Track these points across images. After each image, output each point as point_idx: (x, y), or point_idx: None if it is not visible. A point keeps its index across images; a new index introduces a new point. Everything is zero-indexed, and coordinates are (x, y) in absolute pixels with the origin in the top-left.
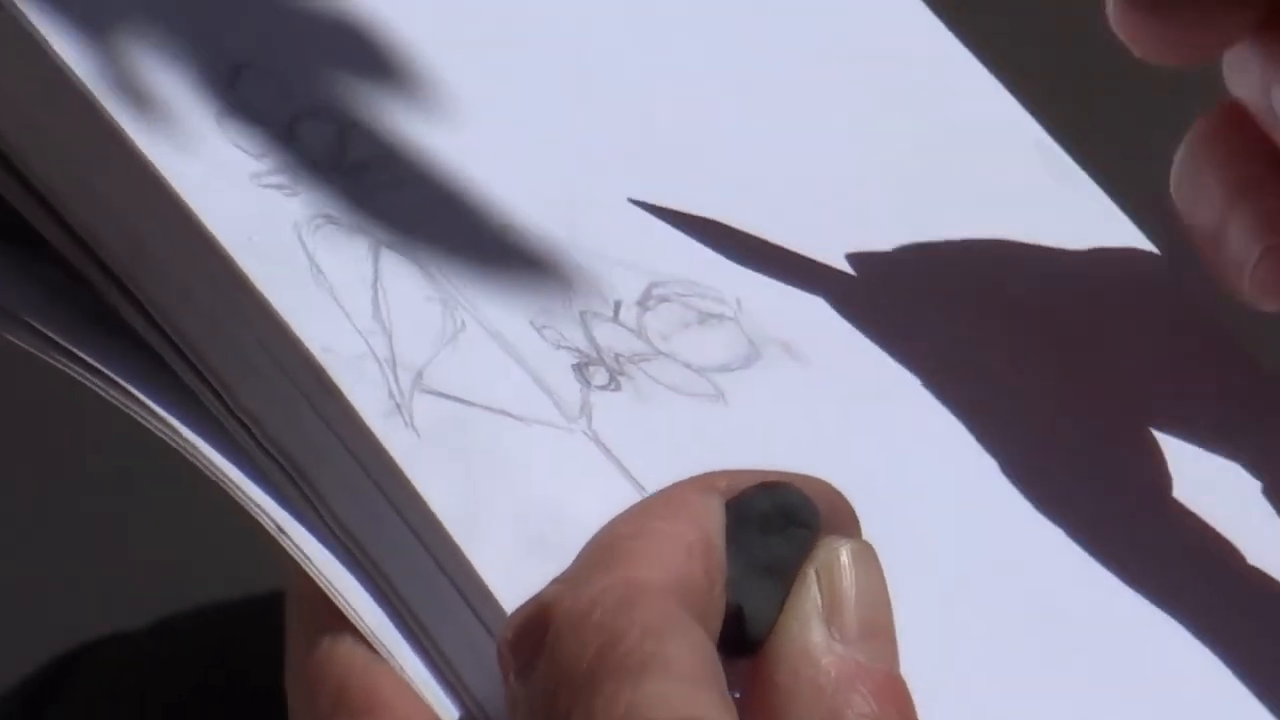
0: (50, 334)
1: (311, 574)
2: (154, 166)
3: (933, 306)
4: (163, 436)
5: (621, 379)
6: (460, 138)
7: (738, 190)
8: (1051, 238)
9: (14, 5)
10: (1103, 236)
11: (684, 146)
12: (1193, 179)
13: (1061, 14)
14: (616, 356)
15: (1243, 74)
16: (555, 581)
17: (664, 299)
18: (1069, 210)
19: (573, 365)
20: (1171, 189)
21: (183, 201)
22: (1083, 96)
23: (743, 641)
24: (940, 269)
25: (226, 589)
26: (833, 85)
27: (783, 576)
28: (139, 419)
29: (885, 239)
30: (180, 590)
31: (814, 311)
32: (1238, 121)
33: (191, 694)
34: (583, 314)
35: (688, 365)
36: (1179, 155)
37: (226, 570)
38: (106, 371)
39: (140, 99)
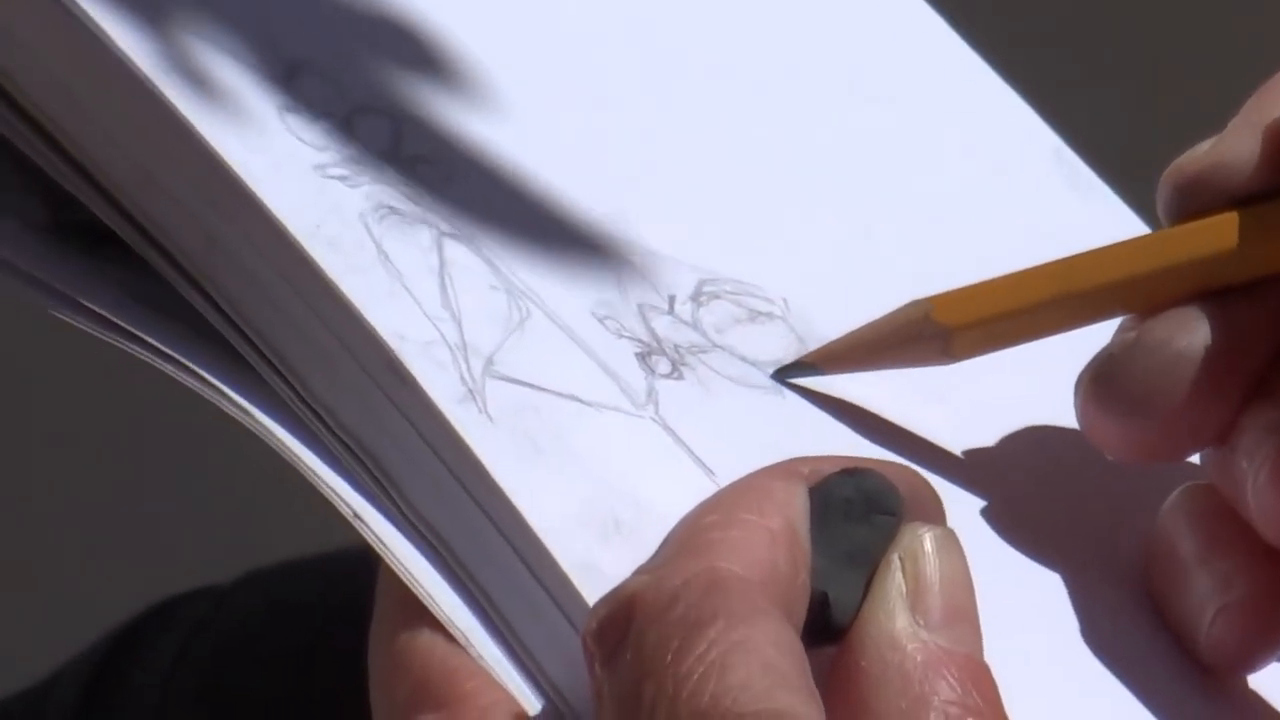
0: (127, 326)
1: (389, 561)
2: (221, 158)
3: None
4: (240, 420)
5: (683, 369)
6: (511, 131)
7: (772, 191)
8: (1068, 248)
9: (76, 3)
10: None
11: (721, 143)
12: (1163, 541)
13: (1083, 23)
14: (676, 347)
15: (1215, 465)
16: (639, 571)
17: (715, 295)
18: (1087, 220)
19: (635, 354)
20: (1145, 552)
21: (251, 192)
22: (1102, 105)
23: (828, 629)
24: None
25: (316, 543)
26: (854, 89)
27: (867, 563)
28: (215, 403)
29: (903, 249)
30: (268, 545)
31: (860, 314)
32: (1210, 490)
33: (275, 653)
34: (640, 306)
35: (744, 359)
36: (1160, 514)
37: (317, 525)
38: (180, 359)
39: (205, 94)
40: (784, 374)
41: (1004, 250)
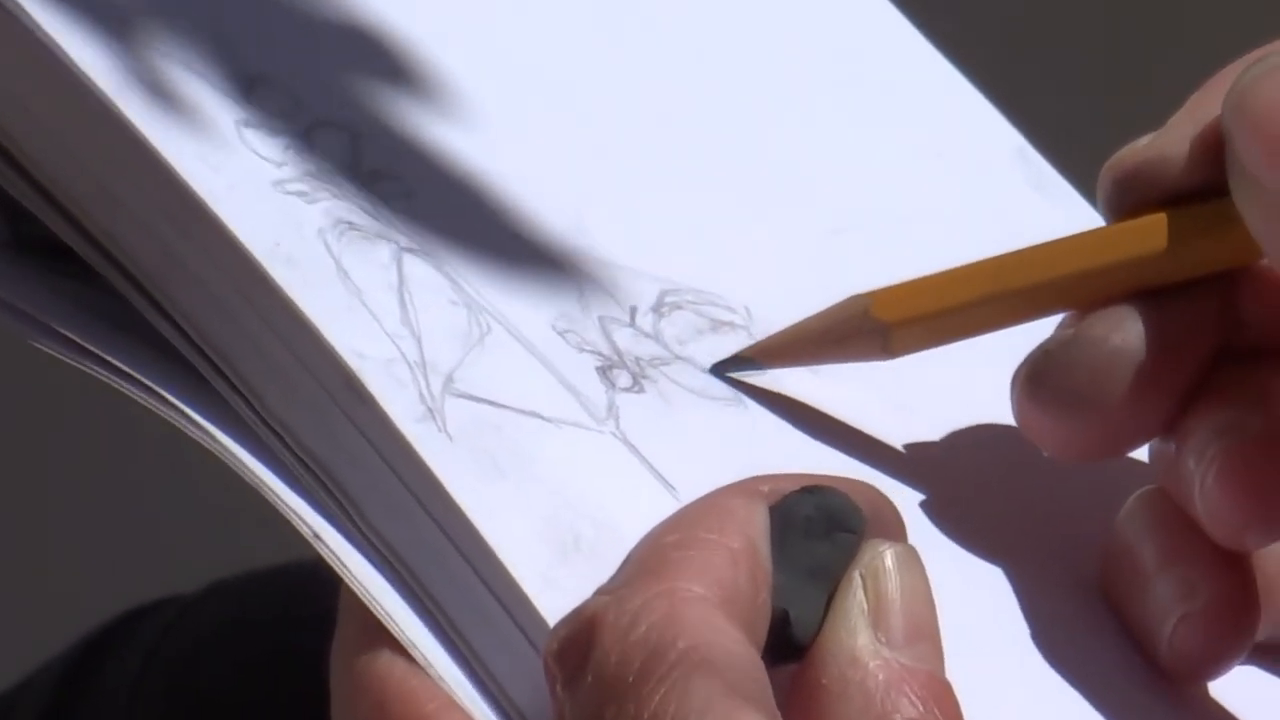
0: (82, 342)
1: (349, 582)
2: (179, 175)
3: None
4: (199, 441)
5: (645, 382)
6: (471, 143)
7: (734, 198)
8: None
9: (33, 19)
10: None
11: (681, 152)
12: (1121, 547)
13: (1046, 21)
14: (637, 360)
15: (1163, 466)
16: (600, 592)
17: (677, 306)
18: (1051, 220)
19: (596, 368)
20: (1101, 559)
21: (209, 209)
22: (1065, 104)
23: (789, 647)
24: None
25: (282, 553)
26: (816, 93)
27: (827, 581)
28: (175, 423)
29: (868, 251)
30: (235, 555)
31: None
32: (1166, 495)
33: (242, 659)
34: (601, 319)
35: (705, 370)
36: (1116, 521)
37: (282, 535)
38: (139, 377)
39: (162, 109)
40: (723, 368)
41: (970, 251)
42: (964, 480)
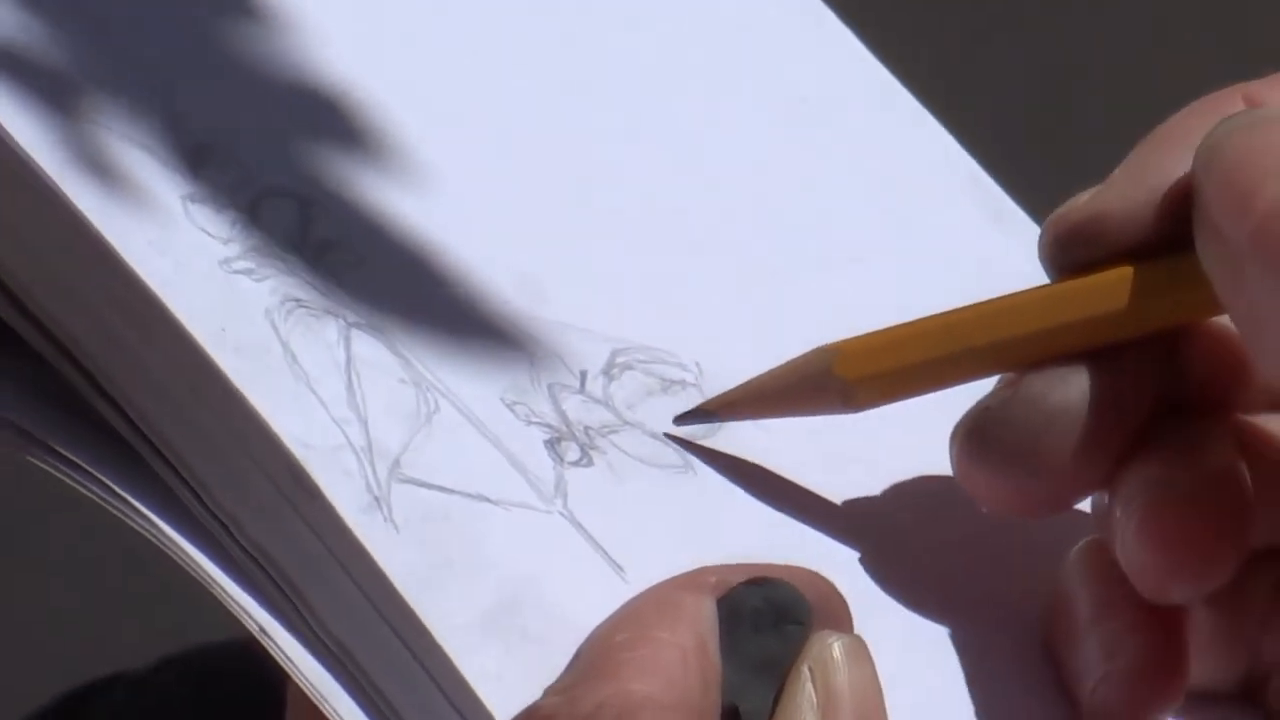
0: (35, 433)
1: (296, 679)
2: (122, 258)
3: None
4: (143, 533)
5: (593, 453)
6: (418, 211)
7: (683, 247)
8: (987, 277)
9: None
10: (1038, 276)
11: (629, 206)
12: (1060, 599)
13: (1001, 46)
14: (586, 429)
15: (1098, 518)
16: (550, 692)
17: (627, 366)
18: (1004, 248)
19: (545, 441)
20: (1044, 610)
21: (156, 297)
22: (1020, 131)
23: None
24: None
25: (233, 628)
26: (763, 127)
27: (776, 673)
28: (119, 515)
29: (822, 293)
30: (184, 630)
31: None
32: (1105, 547)
33: None
34: (550, 387)
35: (654, 436)
36: (1059, 571)
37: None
38: (84, 465)
39: (107, 187)
40: (683, 420)
41: (926, 288)
42: (909, 534)
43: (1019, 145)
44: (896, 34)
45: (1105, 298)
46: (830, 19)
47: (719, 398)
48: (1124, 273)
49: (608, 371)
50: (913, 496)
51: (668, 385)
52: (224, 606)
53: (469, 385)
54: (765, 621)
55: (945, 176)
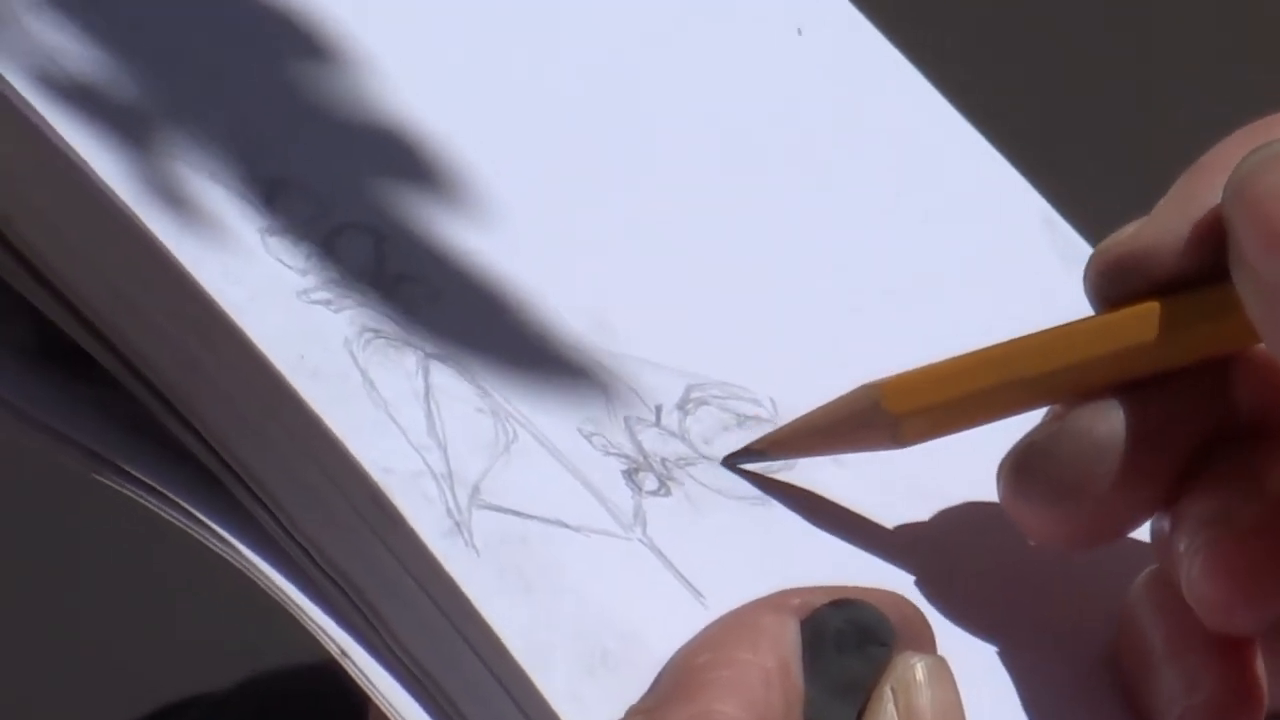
0: (103, 453)
1: (376, 700)
2: (203, 288)
3: None
4: (223, 555)
5: (671, 484)
6: (494, 244)
7: (757, 283)
8: (1054, 311)
9: (53, 128)
10: None
11: (703, 240)
12: (1131, 628)
13: (1073, 89)
14: (663, 461)
15: (1158, 546)
16: (633, 712)
17: (702, 402)
18: (1076, 291)
19: (622, 471)
20: (1115, 636)
21: (233, 322)
22: (1093, 172)
23: None
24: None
25: (310, 651)
26: (839, 162)
27: (859, 695)
28: (198, 537)
29: (893, 330)
30: (259, 653)
31: None
32: (1170, 579)
33: None
34: (626, 419)
35: (731, 468)
36: (1126, 600)
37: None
38: (163, 490)
39: (185, 219)
40: (734, 459)
41: (998, 325)
42: (973, 561)
43: (1087, 186)
44: (961, 67)
45: (1147, 329)
46: (907, 66)
47: (768, 436)
48: (1165, 304)
49: (683, 406)
50: (978, 522)
51: (743, 420)
52: (302, 628)
53: (547, 416)
54: (849, 643)
55: (1019, 215)
